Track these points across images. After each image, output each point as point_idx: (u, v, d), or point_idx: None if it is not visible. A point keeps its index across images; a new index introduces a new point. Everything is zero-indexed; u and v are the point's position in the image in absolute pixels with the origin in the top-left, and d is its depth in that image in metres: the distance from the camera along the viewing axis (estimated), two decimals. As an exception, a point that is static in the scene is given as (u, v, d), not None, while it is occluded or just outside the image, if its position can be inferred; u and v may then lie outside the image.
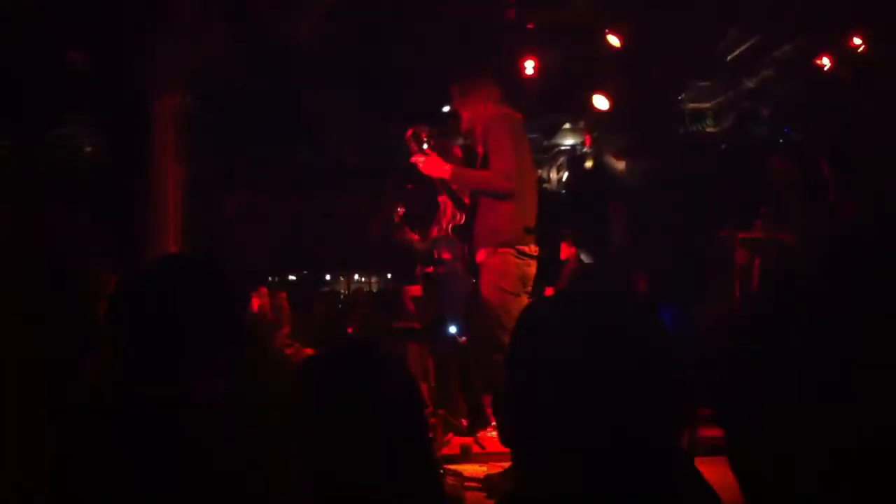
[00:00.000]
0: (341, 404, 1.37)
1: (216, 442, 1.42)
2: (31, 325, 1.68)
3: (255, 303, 8.13)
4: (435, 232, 6.69)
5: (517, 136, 4.96)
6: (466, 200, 5.59)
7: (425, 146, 5.34)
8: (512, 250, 4.78)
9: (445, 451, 5.65)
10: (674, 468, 1.39)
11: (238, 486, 1.52)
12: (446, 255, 6.48)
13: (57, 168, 8.59)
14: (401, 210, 6.75)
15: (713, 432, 6.13)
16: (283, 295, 8.41)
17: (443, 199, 6.60)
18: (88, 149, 9.46)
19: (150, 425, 1.53)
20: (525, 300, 4.76)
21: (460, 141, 5.61)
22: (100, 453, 1.52)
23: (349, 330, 6.42)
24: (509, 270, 4.77)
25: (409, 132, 5.18)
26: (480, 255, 4.90)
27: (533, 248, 4.87)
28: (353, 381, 1.58)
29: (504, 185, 4.74)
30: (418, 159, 5.02)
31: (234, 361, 1.37)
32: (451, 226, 6.49)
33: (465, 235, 5.36)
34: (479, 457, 5.53)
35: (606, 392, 1.31)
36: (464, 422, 6.41)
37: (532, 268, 4.90)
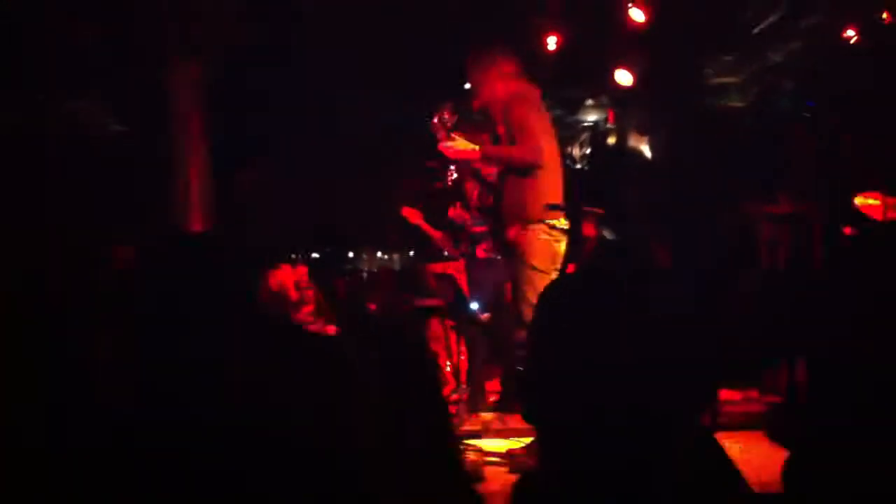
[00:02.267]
0: (360, 383, 1.37)
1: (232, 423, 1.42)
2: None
3: (276, 280, 8.14)
4: (468, 215, 6.71)
5: (539, 110, 4.92)
6: (492, 181, 5.58)
7: (451, 123, 5.33)
8: (542, 226, 4.77)
9: (468, 426, 5.68)
10: (694, 444, 1.38)
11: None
12: (486, 238, 6.49)
13: (79, 145, 8.63)
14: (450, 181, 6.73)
15: (736, 407, 6.16)
16: (305, 271, 8.39)
17: (470, 185, 6.60)
18: (116, 127, 9.49)
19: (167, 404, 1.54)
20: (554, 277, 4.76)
21: (480, 119, 5.57)
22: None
23: (371, 307, 6.44)
24: (540, 247, 4.76)
25: (437, 115, 5.13)
26: (511, 233, 4.88)
27: (563, 223, 4.86)
28: (371, 359, 1.58)
29: (533, 159, 4.72)
30: (445, 145, 4.98)
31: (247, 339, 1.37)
32: (483, 207, 6.50)
33: (494, 216, 5.35)
34: (501, 432, 5.55)
35: (625, 370, 1.31)
36: (489, 399, 6.44)
37: (562, 244, 4.88)
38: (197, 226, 7.19)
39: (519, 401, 1.29)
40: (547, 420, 1.38)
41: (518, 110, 4.79)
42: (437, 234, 7.19)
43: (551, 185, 4.84)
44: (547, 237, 4.77)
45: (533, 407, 1.41)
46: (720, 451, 1.43)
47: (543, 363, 1.39)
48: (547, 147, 4.80)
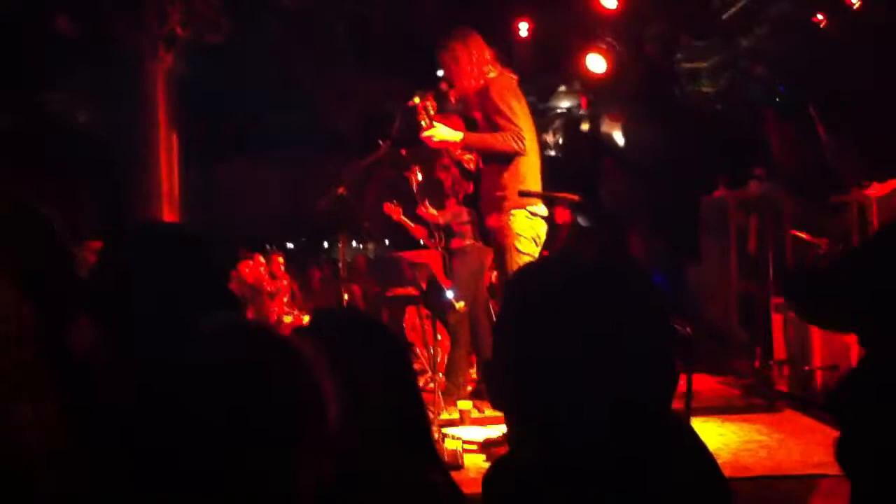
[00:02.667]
0: (330, 373, 1.38)
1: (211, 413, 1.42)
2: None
3: (250, 271, 8.14)
4: (447, 204, 6.71)
5: (517, 96, 4.91)
6: (471, 168, 5.57)
7: (431, 111, 5.31)
8: (523, 211, 4.77)
9: (446, 415, 5.70)
10: (664, 428, 1.39)
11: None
12: (464, 226, 6.50)
13: (50, 136, 8.55)
14: (415, 182, 6.73)
15: (709, 393, 6.22)
16: (280, 262, 8.41)
17: (444, 175, 6.59)
18: (82, 118, 9.40)
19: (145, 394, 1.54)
20: None
21: (459, 107, 5.54)
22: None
23: (346, 297, 6.44)
24: (522, 232, 4.75)
25: (420, 103, 5.08)
26: (492, 220, 4.88)
27: (542, 209, 4.86)
28: (339, 349, 1.59)
29: (516, 145, 4.71)
30: (427, 133, 4.94)
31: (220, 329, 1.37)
32: (459, 196, 6.50)
33: (473, 203, 5.33)
34: (479, 420, 5.58)
35: (592, 356, 1.31)
36: (469, 387, 6.46)
37: (543, 228, 4.88)
38: (166, 217, 7.15)
39: (487, 387, 1.30)
40: (513, 407, 1.39)
41: (498, 94, 4.78)
42: (416, 229, 7.20)
43: (531, 171, 4.84)
44: (530, 222, 4.78)
45: (500, 394, 1.42)
46: (692, 434, 1.44)
47: (511, 349, 1.40)
48: (527, 134, 4.79)
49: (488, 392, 1.50)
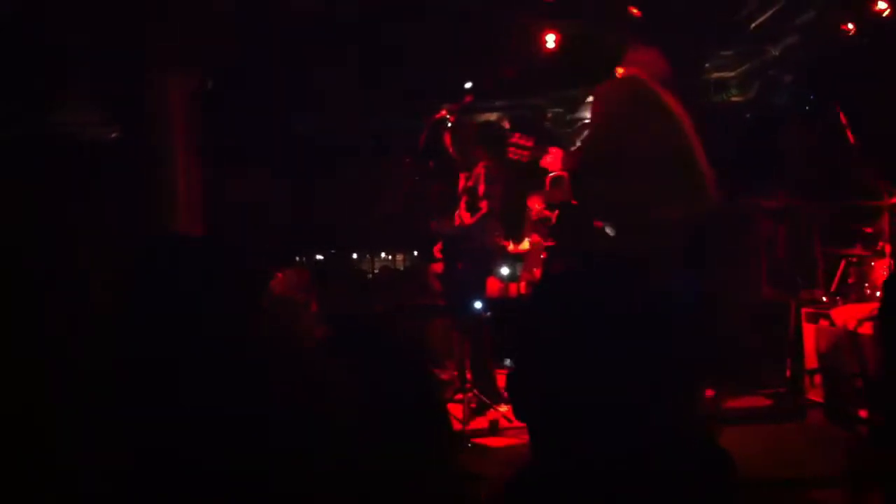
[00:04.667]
0: (348, 385, 1.39)
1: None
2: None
3: (281, 285, 8.16)
4: (468, 216, 6.70)
5: None
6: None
7: (449, 123, 5.35)
8: None
9: (474, 425, 5.70)
10: (684, 438, 1.40)
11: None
12: (486, 236, 6.49)
13: (64, 152, 8.63)
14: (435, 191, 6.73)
15: (740, 401, 6.17)
16: (307, 275, 8.41)
17: (463, 185, 6.61)
18: (103, 133, 9.49)
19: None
20: None
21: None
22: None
23: (375, 308, 6.47)
24: None
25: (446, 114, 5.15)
26: None
27: None
28: (358, 360, 1.60)
29: None
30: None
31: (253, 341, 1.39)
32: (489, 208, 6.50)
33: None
34: (508, 431, 5.57)
35: (619, 368, 1.32)
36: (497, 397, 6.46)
37: None
38: (184, 229, 7.19)
39: (510, 399, 1.31)
40: (535, 418, 1.40)
41: None
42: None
43: None
44: None
45: (524, 405, 1.43)
46: (714, 443, 1.45)
47: (535, 361, 1.41)
48: None
49: (512, 403, 1.51)
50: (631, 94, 4.93)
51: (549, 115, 11.44)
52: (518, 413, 1.50)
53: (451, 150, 6.46)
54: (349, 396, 1.32)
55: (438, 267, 7.09)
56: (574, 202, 6.96)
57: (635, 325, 1.35)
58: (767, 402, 6.16)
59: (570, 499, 1.35)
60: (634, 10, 8.04)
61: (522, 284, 6.27)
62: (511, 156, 5.05)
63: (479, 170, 6.36)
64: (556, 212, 6.88)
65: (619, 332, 1.34)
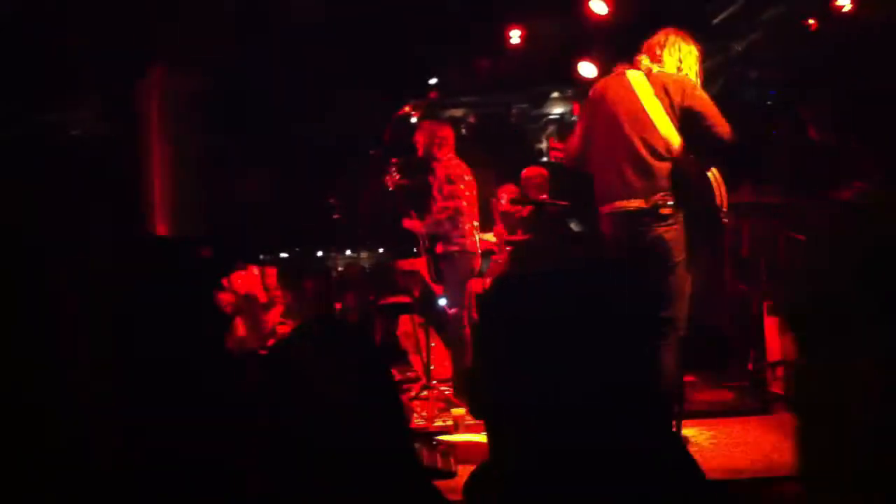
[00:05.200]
0: (303, 384, 1.37)
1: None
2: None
3: (245, 282, 8.11)
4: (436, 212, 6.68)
5: None
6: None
7: (413, 119, 5.34)
8: None
9: (440, 423, 5.69)
10: (646, 432, 1.39)
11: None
12: (454, 234, 6.46)
13: (51, 151, 8.54)
14: (392, 178, 6.66)
15: (703, 396, 6.21)
16: (274, 273, 8.35)
17: (432, 180, 6.60)
18: (75, 132, 9.39)
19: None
20: None
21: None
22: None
23: (338, 306, 6.43)
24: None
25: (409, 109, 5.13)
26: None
27: None
28: (315, 359, 1.59)
29: None
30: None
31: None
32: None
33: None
34: (473, 428, 5.56)
35: (573, 363, 1.31)
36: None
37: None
38: (160, 229, 7.14)
39: (466, 397, 1.29)
40: (494, 415, 1.39)
41: None
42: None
43: None
44: None
45: (480, 402, 1.42)
46: (677, 441, 1.45)
47: (490, 359, 1.40)
48: None
49: (468, 402, 1.50)
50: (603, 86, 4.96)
51: (515, 110, 11.47)
52: (472, 411, 1.49)
53: (418, 147, 6.45)
54: (297, 397, 1.30)
55: (405, 264, 7.08)
56: (548, 199, 6.99)
57: (592, 321, 1.35)
58: (730, 395, 6.21)
59: (527, 495, 1.34)
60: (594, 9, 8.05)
61: (488, 281, 6.25)
62: None
63: (444, 166, 6.35)
64: (529, 207, 6.87)
65: (575, 329, 1.34)
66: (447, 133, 6.40)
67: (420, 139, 6.44)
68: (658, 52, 4.85)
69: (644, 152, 4.60)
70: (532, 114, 11.29)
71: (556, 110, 11.45)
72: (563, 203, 6.69)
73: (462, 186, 6.32)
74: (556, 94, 11.03)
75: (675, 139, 4.58)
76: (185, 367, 1.36)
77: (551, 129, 11.79)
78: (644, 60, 4.85)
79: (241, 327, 7.83)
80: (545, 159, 11.55)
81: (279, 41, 8.50)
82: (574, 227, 7.91)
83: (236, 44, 7.94)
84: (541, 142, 11.55)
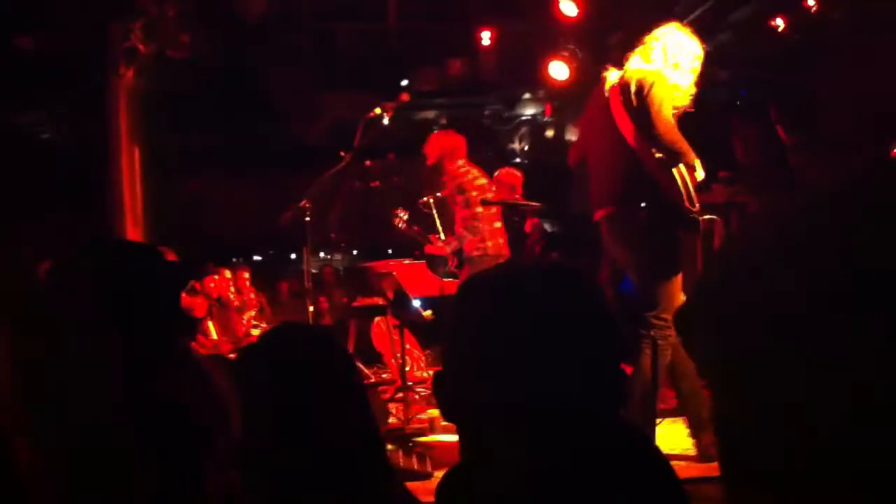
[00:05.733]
0: (271, 388, 1.37)
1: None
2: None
3: (218, 286, 8.07)
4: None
5: None
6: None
7: (385, 121, 5.32)
8: None
9: (415, 424, 5.69)
10: (615, 432, 1.39)
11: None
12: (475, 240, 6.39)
13: (14, 154, 8.45)
14: (402, 216, 6.66)
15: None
16: (246, 276, 8.33)
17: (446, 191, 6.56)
18: (45, 135, 9.32)
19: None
20: None
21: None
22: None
23: (312, 309, 6.41)
24: None
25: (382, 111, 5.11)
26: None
27: None
28: (282, 363, 1.58)
29: None
30: None
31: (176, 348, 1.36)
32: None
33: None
34: (449, 429, 5.56)
35: (542, 363, 1.31)
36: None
37: None
38: (130, 232, 7.10)
39: (437, 398, 1.28)
40: (465, 416, 1.39)
41: None
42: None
43: None
44: None
45: (451, 403, 1.42)
46: (645, 440, 1.45)
47: (459, 359, 1.39)
48: None
49: (438, 403, 1.50)
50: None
51: (488, 112, 11.49)
52: (443, 412, 1.49)
53: (427, 158, 6.41)
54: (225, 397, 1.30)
55: (379, 265, 7.06)
56: (520, 200, 7.00)
57: (558, 318, 1.35)
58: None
59: (500, 497, 1.34)
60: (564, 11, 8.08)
61: (456, 283, 6.24)
62: None
63: (452, 177, 6.31)
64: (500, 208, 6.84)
65: (543, 327, 1.34)
66: (457, 143, 6.37)
67: (429, 151, 6.38)
68: (653, 45, 4.84)
69: (611, 157, 4.61)
70: (504, 115, 11.32)
71: (529, 111, 11.50)
72: (536, 204, 6.69)
73: (475, 194, 6.25)
74: (527, 96, 11.07)
75: (636, 140, 4.58)
76: (149, 373, 1.35)
77: (523, 130, 11.83)
78: (631, 58, 4.86)
79: (213, 330, 7.80)
80: (517, 160, 11.60)
81: (253, 42, 8.48)
82: (548, 227, 7.96)
83: (203, 44, 7.90)
84: (513, 143, 11.59)
